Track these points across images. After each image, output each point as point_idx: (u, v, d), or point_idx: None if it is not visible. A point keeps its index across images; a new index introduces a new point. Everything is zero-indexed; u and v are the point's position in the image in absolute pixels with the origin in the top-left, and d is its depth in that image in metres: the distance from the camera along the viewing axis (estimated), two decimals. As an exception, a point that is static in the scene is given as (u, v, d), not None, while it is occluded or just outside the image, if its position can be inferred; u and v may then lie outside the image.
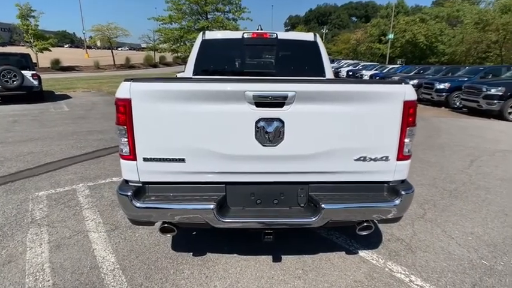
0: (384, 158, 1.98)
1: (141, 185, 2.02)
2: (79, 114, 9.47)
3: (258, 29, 4.10)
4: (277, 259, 2.55)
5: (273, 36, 3.71)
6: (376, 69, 23.31)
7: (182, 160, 1.92)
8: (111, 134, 6.94)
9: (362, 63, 28.81)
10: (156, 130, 1.88)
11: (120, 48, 73.03)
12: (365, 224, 2.06)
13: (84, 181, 4.21)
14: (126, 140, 1.91)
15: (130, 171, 1.98)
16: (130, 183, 2.05)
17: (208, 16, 29.68)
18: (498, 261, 2.54)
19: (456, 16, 28.29)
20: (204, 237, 2.86)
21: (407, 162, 2.05)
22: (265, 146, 1.89)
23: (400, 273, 2.39)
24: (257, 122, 1.85)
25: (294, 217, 1.99)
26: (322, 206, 1.93)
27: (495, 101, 9.50)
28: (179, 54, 32.22)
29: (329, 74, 3.80)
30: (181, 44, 30.34)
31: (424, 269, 2.44)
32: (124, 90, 1.84)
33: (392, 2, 38.48)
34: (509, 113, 9.47)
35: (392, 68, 21.84)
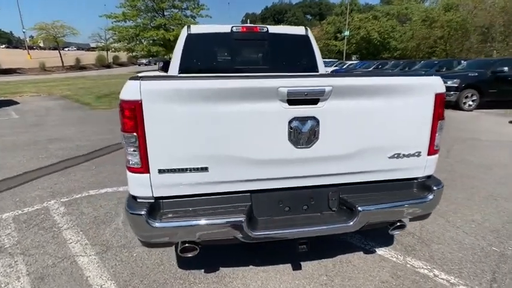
0: (417, 154, 1.91)
1: (153, 201, 1.74)
2: (32, 121, 8.48)
3: (247, 23, 3.89)
4: (297, 267, 2.39)
5: (264, 30, 3.53)
6: (335, 66, 24.09)
7: (205, 169, 1.67)
8: (76, 141, 6.29)
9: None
10: (174, 136, 1.61)
11: (67, 49, 67.71)
12: (398, 223, 1.97)
13: (56, 197, 3.69)
14: (135, 149, 1.62)
15: (142, 185, 1.69)
16: (139, 200, 1.75)
17: (165, 13, 28.55)
18: (506, 247, 2.63)
19: (405, 13, 30.27)
20: (212, 250, 2.61)
21: (436, 156, 2.00)
22: (299, 148, 1.71)
23: (423, 268, 2.36)
24: (290, 121, 1.66)
25: (330, 223, 1.84)
26: (359, 208, 1.80)
27: (452, 93, 10.20)
28: (135, 53, 30.64)
29: (322, 69, 3.72)
30: (138, 42, 28.86)
31: (444, 262, 2.43)
32: (132, 90, 1.55)
33: (346, 0, 40.14)
34: (464, 103, 10.24)
35: (352, 63, 22.75)
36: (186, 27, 3.47)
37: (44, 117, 9.12)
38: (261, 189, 1.83)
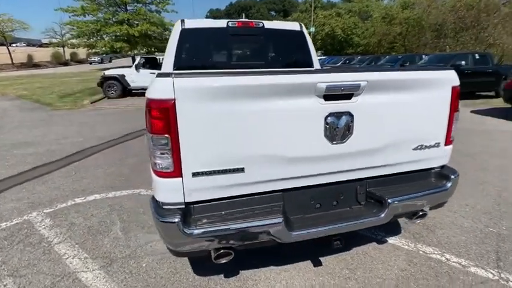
0: (436, 145, 1.97)
1: (184, 206, 1.62)
2: (-12, 125, 7.67)
3: (242, 18, 3.79)
4: (317, 263, 2.38)
5: (260, 26, 3.46)
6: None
7: (241, 170, 1.59)
8: (45, 145, 5.79)
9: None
10: (209, 136, 1.51)
11: (14, 45, 62.00)
12: (421, 212, 2.03)
13: (36, 208, 3.35)
14: (166, 152, 1.49)
15: (173, 190, 1.56)
16: (166, 206, 1.63)
17: (128, 7, 27.25)
18: (500, 227, 2.82)
19: (366, 11, 31.60)
20: (226, 253, 2.51)
21: (451, 146, 2.08)
22: (334, 143, 1.68)
23: (434, 253, 2.47)
24: (326, 117, 1.63)
25: (363, 217, 1.83)
26: (389, 200, 1.82)
27: (417, 85, 10.81)
28: (96, 49, 28.97)
29: (317, 65, 3.73)
30: (99, 38, 27.27)
31: (452, 246, 2.56)
32: (164, 88, 1.42)
33: (309, -3, 40.95)
34: (428, 95, 10.91)
35: (320, 58, 23.24)
36: (179, 21, 3.29)
37: (1, 119, 8.29)
38: (292, 188, 1.78)
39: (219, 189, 1.61)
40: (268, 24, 3.51)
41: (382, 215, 1.82)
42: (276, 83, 1.52)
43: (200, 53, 3.41)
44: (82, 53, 40.25)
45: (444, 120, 1.95)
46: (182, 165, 1.51)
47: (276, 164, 1.64)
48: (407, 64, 13.18)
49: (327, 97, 1.61)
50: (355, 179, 1.89)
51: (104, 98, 12.79)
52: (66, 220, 3.10)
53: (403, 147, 1.88)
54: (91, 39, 26.99)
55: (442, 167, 2.16)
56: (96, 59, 42.46)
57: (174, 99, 1.42)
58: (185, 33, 3.23)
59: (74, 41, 28.79)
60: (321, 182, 1.81)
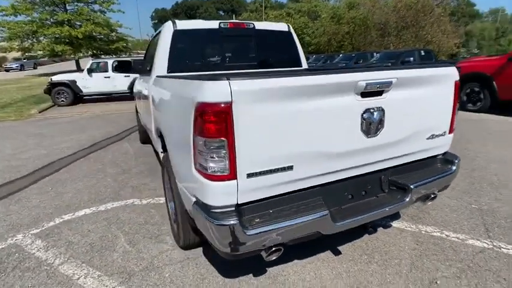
0: (443, 133, 2.20)
1: (234, 208, 1.62)
2: None
3: (233, 19, 3.78)
4: (337, 252, 2.51)
5: (251, 27, 3.50)
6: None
7: (290, 168, 1.64)
8: (2, 161, 5.19)
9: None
10: (262, 137, 1.53)
11: None
12: (432, 195, 2.24)
13: (21, 230, 3.02)
14: (222, 155, 1.49)
15: (227, 193, 1.56)
16: (217, 209, 1.61)
17: (69, 7, 25.16)
18: (480, 203, 3.22)
19: (315, 11, 33.01)
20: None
21: (453, 134, 2.34)
22: (369, 137, 1.81)
23: (435, 232, 2.74)
24: (363, 113, 1.75)
25: (391, 203, 1.99)
26: (411, 186, 2.00)
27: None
28: (33, 53, 26.31)
29: (304, 64, 3.87)
30: (35, 41, 24.79)
31: (447, 223, 2.86)
32: (220, 91, 1.41)
33: (259, -2, 41.55)
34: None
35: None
36: (170, 23, 3.18)
37: None
38: (330, 181, 1.87)
39: (270, 188, 1.64)
40: (259, 25, 3.56)
41: (407, 200, 2.00)
42: (325, 83, 1.59)
43: (194, 54, 3.34)
44: (11, 57, 36.00)
45: (449, 110, 2.19)
46: (237, 167, 1.52)
47: (319, 160, 1.72)
48: (361, 61, 14.11)
49: (364, 94, 1.72)
50: (381, 169, 2.05)
51: (53, 106, 11.78)
52: (60, 239, 2.85)
53: (419, 137, 2.08)
54: (25, 42, 24.43)
55: (445, 153, 2.41)
56: (14, 65, 34.67)
57: (231, 102, 1.42)
58: (178, 35, 3.14)
59: (3, 44, 25.75)
60: (353, 174, 1.93)
